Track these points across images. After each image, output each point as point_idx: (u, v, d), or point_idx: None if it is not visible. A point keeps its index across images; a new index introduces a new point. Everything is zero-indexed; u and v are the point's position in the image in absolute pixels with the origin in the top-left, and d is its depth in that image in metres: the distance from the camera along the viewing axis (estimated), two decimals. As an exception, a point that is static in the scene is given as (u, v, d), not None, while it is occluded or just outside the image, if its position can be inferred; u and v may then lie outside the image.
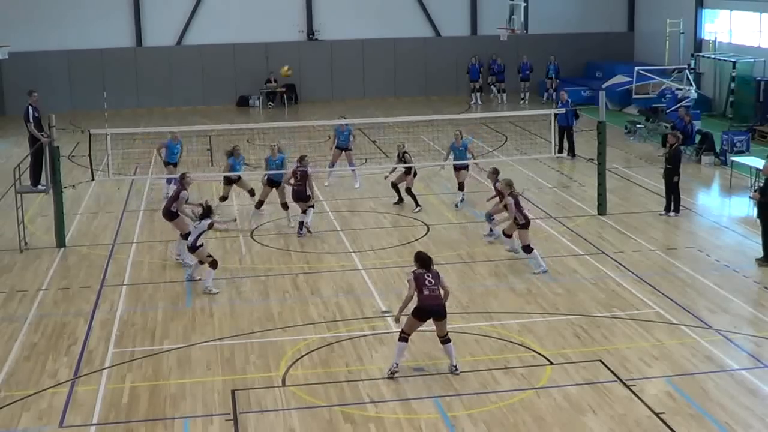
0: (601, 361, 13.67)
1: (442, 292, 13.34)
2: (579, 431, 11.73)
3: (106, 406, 12.67)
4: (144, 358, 14.27)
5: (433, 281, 13.28)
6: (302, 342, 14.69)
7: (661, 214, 21.64)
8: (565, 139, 27.86)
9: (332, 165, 25.49)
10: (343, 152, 25.22)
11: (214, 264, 17.14)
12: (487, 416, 12.09)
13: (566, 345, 14.34)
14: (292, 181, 20.57)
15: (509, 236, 18.47)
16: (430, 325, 15.14)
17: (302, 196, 20.48)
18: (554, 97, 38.94)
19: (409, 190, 22.49)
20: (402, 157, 22.53)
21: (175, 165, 23.70)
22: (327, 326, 15.35)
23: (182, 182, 18.63)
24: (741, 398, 12.45)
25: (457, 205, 22.54)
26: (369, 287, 17.14)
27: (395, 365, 13.29)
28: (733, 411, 12.09)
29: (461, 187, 22.76)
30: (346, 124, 25.19)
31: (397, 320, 13.52)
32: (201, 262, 17.39)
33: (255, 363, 13.95)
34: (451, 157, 22.95)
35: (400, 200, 22.94)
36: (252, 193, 22.55)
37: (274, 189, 21.88)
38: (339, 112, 36.45)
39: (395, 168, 23.19)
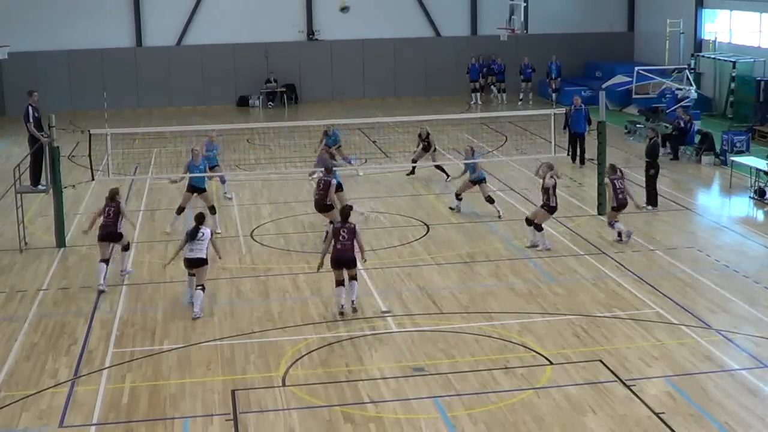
0: (601, 361, 13.68)
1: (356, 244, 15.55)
2: (579, 431, 11.74)
3: (106, 406, 12.67)
4: (144, 358, 14.27)
5: (346, 236, 15.50)
6: (302, 342, 14.69)
7: (642, 208, 21.75)
8: (577, 146, 27.14)
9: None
10: (331, 149, 25.37)
11: (204, 287, 16.12)
12: (487, 416, 12.10)
13: (566, 345, 14.34)
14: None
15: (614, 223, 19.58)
16: (429, 325, 15.22)
17: (323, 207, 19.51)
18: (555, 97, 38.95)
19: (438, 166, 25.20)
20: (426, 139, 25.29)
21: (213, 168, 22.76)
22: (327, 326, 15.35)
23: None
24: (741, 398, 12.45)
25: (500, 216, 21.62)
26: (369, 287, 17.14)
27: (340, 306, 15.49)
28: (733, 411, 12.10)
29: (491, 200, 21.91)
30: (333, 127, 25.78)
31: (318, 268, 15.84)
32: (198, 285, 16.06)
33: (255, 363, 13.95)
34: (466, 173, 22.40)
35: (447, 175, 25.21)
36: (213, 210, 20.84)
37: (196, 194, 20.85)
38: (339, 112, 36.69)
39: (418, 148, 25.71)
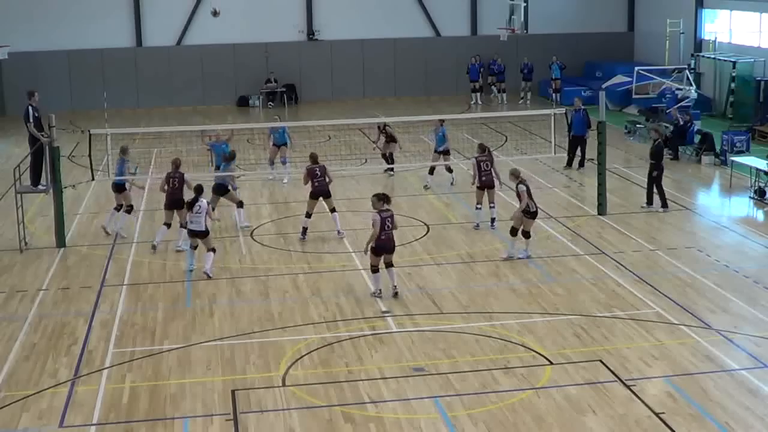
0: (601, 361, 13.67)
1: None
2: (579, 431, 11.74)
3: (106, 406, 12.67)
4: (144, 358, 14.27)
5: (390, 225, 16.29)
6: (302, 342, 14.69)
7: (642, 207, 22.02)
8: (578, 149, 26.72)
9: (272, 163, 26.18)
10: (280, 148, 26.01)
11: (215, 250, 18.04)
12: (487, 416, 12.10)
13: (566, 345, 14.34)
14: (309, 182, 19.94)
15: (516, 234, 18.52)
16: (429, 325, 15.21)
17: (327, 192, 20.13)
18: (557, 98, 38.94)
19: (391, 156, 26.12)
20: (384, 130, 25.85)
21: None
22: (327, 326, 15.36)
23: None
24: (741, 398, 12.45)
25: (452, 184, 24.91)
26: (369, 287, 17.13)
27: (378, 291, 16.46)
28: (733, 411, 12.10)
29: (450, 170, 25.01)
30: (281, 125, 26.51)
31: (365, 252, 16.78)
32: (208, 249, 17.89)
33: (255, 363, 13.95)
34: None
35: (391, 168, 26.28)
36: (240, 204, 21.35)
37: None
38: (339, 112, 36.67)
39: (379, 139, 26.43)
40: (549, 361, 13.75)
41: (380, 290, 16.46)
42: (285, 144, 25.86)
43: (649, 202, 22.18)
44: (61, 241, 20.12)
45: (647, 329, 14.88)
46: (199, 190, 17.93)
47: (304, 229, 20.19)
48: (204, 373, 13.64)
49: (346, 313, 15.93)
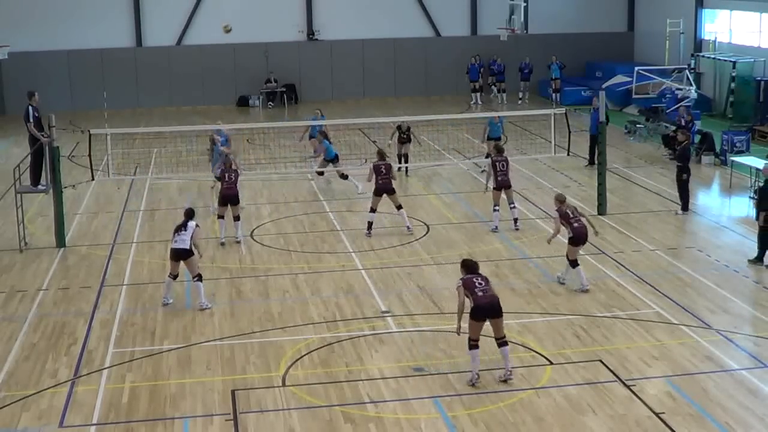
0: (601, 361, 13.67)
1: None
2: (579, 431, 11.73)
3: (106, 406, 12.67)
4: (144, 358, 14.27)
5: (483, 282, 13.13)
6: (302, 342, 14.69)
7: (677, 213, 21.75)
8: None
9: (316, 151, 26.61)
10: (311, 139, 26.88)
11: (200, 277, 16.37)
12: (487, 416, 12.09)
13: (566, 345, 14.34)
14: (373, 178, 20.37)
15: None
16: (429, 325, 15.19)
17: (391, 189, 20.37)
18: (557, 98, 38.93)
19: (406, 156, 26.20)
20: (407, 132, 26.04)
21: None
22: (327, 326, 15.35)
23: None
24: (741, 398, 12.45)
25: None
26: (369, 287, 17.14)
27: (476, 376, 12.95)
28: (733, 411, 12.09)
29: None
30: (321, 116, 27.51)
31: (457, 333, 13.08)
32: (194, 277, 16.35)
33: (255, 363, 13.95)
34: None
35: (399, 169, 25.88)
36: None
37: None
38: (339, 112, 36.67)
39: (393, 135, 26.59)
40: (549, 361, 13.75)
41: (478, 374, 12.98)
42: (313, 136, 26.40)
43: (683, 207, 21.85)
44: (61, 241, 20.12)
45: (647, 329, 14.88)
46: (189, 214, 16.40)
47: (369, 224, 20.42)
48: (204, 373, 13.64)
49: (346, 313, 15.93)
